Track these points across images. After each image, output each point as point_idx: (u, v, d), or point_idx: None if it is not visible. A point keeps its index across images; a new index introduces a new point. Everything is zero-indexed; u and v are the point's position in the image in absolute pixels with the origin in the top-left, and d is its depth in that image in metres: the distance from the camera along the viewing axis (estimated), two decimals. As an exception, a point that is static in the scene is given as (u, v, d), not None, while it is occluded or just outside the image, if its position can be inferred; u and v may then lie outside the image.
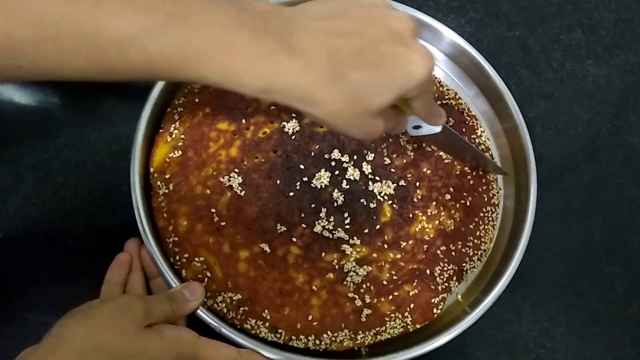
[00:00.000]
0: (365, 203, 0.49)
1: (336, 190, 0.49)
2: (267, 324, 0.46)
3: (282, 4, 0.38)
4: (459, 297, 0.51)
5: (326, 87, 0.33)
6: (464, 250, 0.51)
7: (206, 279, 0.46)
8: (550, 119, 0.62)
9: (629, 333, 0.56)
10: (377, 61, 0.34)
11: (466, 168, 0.53)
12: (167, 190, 0.48)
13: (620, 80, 0.64)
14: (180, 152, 0.49)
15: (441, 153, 0.53)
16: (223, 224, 0.47)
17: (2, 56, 0.30)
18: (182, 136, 0.49)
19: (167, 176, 0.48)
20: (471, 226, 0.52)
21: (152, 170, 0.49)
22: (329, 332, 0.47)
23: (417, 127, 0.42)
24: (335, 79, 0.33)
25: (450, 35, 0.57)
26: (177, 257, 0.47)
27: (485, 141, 0.56)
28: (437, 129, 0.41)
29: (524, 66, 0.63)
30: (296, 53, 0.33)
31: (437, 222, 0.51)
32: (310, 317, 0.47)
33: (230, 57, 0.32)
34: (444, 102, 0.56)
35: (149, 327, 0.39)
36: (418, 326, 0.49)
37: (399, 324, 0.48)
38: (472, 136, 0.56)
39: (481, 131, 0.57)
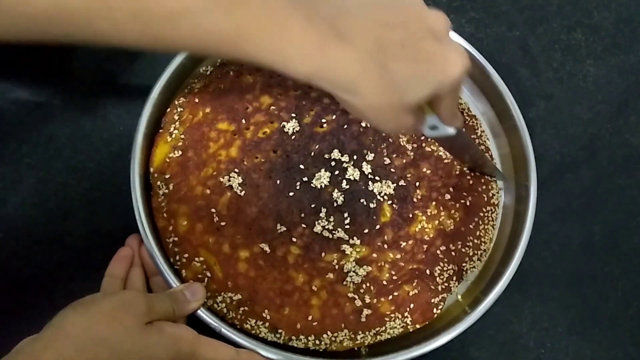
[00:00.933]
0: (365, 203, 0.49)
1: (336, 190, 0.49)
2: (267, 324, 0.46)
3: None
4: (459, 297, 0.51)
5: (370, 77, 0.33)
6: (463, 250, 0.51)
7: (206, 279, 0.46)
8: (550, 119, 0.62)
9: (629, 333, 0.56)
10: (418, 56, 0.34)
11: (465, 168, 0.53)
12: (167, 190, 0.48)
13: (620, 80, 0.64)
14: (180, 152, 0.49)
15: (441, 153, 0.53)
16: (223, 224, 0.47)
17: (51, 26, 0.30)
18: (182, 136, 0.49)
19: (167, 176, 0.48)
20: (471, 226, 0.52)
21: (152, 170, 0.49)
22: (329, 332, 0.47)
23: (433, 128, 0.42)
24: (379, 70, 0.33)
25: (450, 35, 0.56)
26: (177, 257, 0.47)
27: (485, 141, 0.56)
28: (452, 131, 0.42)
29: (524, 66, 0.63)
30: (346, 40, 0.32)
31: (436, 222, 0.51)
32: (310, 317, 0.47)
33: (282, 41, 0.32)
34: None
35: (149, 324, 0.39)
36: (418, 326, 0.49)
37: (399, 324, 0.48)
38: (472, 136, 0.56)
39: (481, 131, 0.56)
